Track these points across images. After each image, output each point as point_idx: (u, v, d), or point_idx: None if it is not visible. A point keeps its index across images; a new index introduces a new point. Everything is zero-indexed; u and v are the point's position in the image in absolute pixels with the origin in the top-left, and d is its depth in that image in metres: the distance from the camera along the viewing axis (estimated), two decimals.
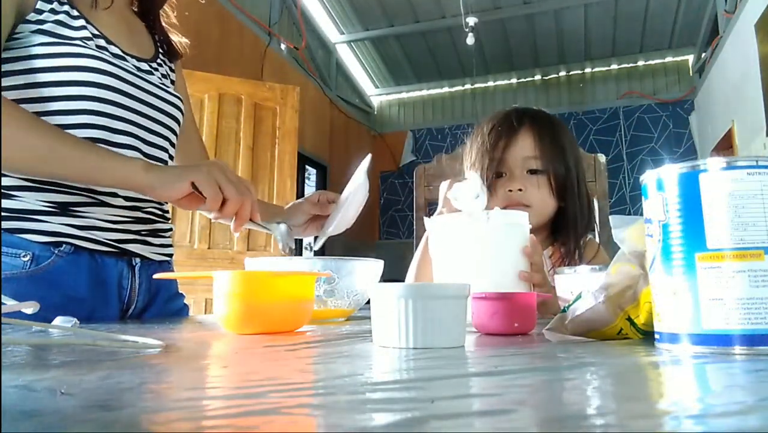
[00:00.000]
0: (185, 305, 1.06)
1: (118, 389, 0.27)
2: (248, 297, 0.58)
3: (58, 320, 0.59)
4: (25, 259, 0.80)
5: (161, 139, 0.96)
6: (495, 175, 1.04)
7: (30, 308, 0.54)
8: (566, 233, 1.06)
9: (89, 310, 0.83)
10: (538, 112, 1.11)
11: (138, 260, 0.93)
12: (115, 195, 0.88)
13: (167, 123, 0.98)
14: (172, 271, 1.05)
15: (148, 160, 0.93)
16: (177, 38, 1.07)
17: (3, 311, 0.51)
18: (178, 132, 1.03)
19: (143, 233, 0.94)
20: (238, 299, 0.58)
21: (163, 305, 0.98)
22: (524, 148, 1.03)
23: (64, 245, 0.83)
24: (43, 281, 0.81)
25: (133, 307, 0.93)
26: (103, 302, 0.87)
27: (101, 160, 0.77)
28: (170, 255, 1.02)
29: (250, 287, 0.59)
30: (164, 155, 0.98)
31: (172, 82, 1.05)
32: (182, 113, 1.04)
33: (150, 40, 1.02)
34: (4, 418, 0.20)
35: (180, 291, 1.06)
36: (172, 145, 1.01)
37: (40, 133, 0.75)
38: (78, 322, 0.60)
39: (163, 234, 0.99)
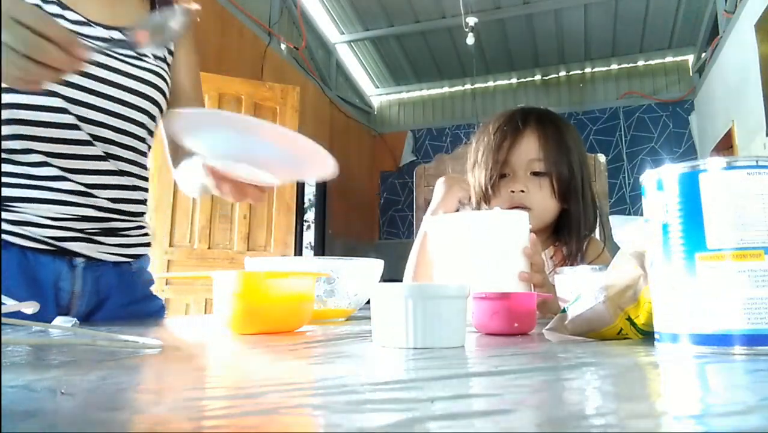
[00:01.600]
0: (162, 307, 0.98)
1: (117, 389, 0.27)
2: (248, 297, 0.58)
3: (58, 320, 0.59)
4: None
5: (135, 126, 0.87)
6: (499, 176, 1.04)
7: (30, 308, 0.54)
8: (568, 234, 1.06)
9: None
10: (545, 112, 1.10)
11: (81, 260, 0.84)
12: (62, 190, 0.81)
13: (141, 105, 0.88)
14: (137, 274, 0.95)
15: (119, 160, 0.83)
16: None
17: (3, 311, 0.51)
18: (156, 113, 0.92)
19: (91, 231, 0.85)
20: (238, 299, 0.58)
21: (120, 310, 0.89)
22: (528, 150, 1.03)
23: None
24: None
25: (74, 311, 0.84)
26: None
27: None
28: (135, 256, 0.92)
29: (250, 287, 0.59)
30: (141, 145, 0.90)
31: (171, 53, 0.95)
32: (161, 91, 0.92)
33: (142, 5, 0.91)
34: (4, 418, 0.20)
35: (154, 294, 0.98)
36: (149, 132, 0.91)
37: None
38: (78, 322, 0.60)
39: (124, 233, 0.90)
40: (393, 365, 0.37)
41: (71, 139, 0.82)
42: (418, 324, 0.45)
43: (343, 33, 5.48)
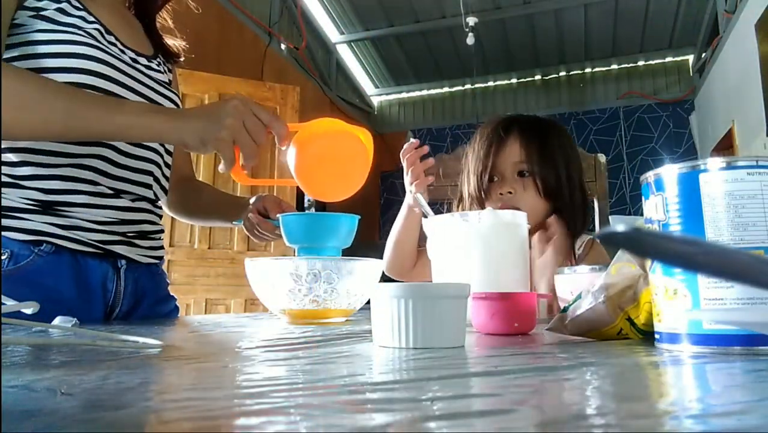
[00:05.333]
0: (176, 307, 1.05)
1: (118, 389, 0.27)
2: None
3: (58, 320, 0.59)
4: (3, 257, 0.78)
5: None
6: (489, 180, 1.10)
7: (30, 308, 0.54)
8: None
9: (71, 312, 0.78)
10: (528, 118, 1.17)
11: (124, 262, 0.91)
12: (103, 195, 0.87)
13: None
14: (162, 275, 1.02)
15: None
16: (173, 41, 1.07)
17: (3, 311, 0.51)
18: None
19: (130, 234, 0.91)
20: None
21: (150, 309, 0.96)
22: (512, 153, 1.09)
23: (44, 244, 0.81)
24: (22, 280, 0.79)
25: (117, 310, 0.90)
26: (86, 304, 0.85)
27: (125, 120, 0.73)
28: (160, 258, 1.00)
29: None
30: (159, 148, 0.97)
31: (169, 82, 1.05)
32: None
33: (148, 41, 1.02)
34: (4, 418, 0.21)
35: (171, 294, 1.05)
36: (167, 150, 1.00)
37: (56, 99, 0.72)
38: (78, 322, 0.60)
39: (152, 236, 0.97)
40: (393, 365, 0.37)
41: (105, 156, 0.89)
42: (418, 324, 0.45)
43: (343, 33, 5.48)
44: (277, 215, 0.88)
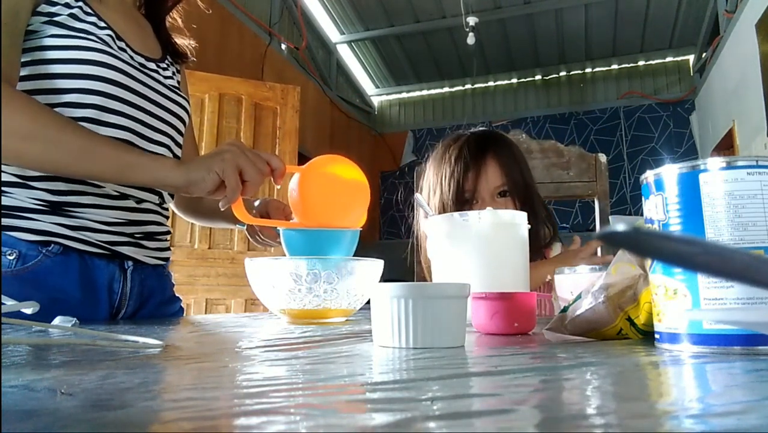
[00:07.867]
0: (181, 308, 1.06)
1: (118, 389, 0.27)
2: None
3: (58, 320, 0.59)
4: (11, 257, 0.79)
5: (164, 137, 0.96)
6: (465, 201, 1.12)
7: (30, 308, 0.54)
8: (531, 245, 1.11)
9: (77, 312, 0.77)
10: (497, 136, 1.19)
11: (130, 263, 0.91)
12: (110, 196, 0.87)
13: (172, 122, 0.97)
14: (167, 276, 1.03)
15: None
16: (183, 41, 1.07)
17: (3, 311, 0.51)
18: (183, 131, 1.02)
19: (137, 235, 0.92)
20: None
21: (155, 309, 0.97)
22: (494, 177, 1.11)
23: (52, 245, 0.82)
24: (29, 280, 0.79)
25: (123, 311, 0.91)
26: (92, 304, 0.86)
27: (133, 159, 0.76)
28: (166, 259, 1.00)
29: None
30: (167, 153, 0.98)
31: (179, 83, 1.06)
32: (188, 114, 1.03)
33: (157, 42, 1.03)
34: (4, 418, 0.21)
35: (176, 295, 1.05)
36: (177, 144, 1.00)
37: (72, 133, 0.74)
38: (78, 322, 0.60)
39: (159, 237, 0.97)
40: (393, 365, 0.37)
41: None
42: (418, 324, 0.45)
43: (344, 33, 5.48)
44: (278, 228, 0.88)
